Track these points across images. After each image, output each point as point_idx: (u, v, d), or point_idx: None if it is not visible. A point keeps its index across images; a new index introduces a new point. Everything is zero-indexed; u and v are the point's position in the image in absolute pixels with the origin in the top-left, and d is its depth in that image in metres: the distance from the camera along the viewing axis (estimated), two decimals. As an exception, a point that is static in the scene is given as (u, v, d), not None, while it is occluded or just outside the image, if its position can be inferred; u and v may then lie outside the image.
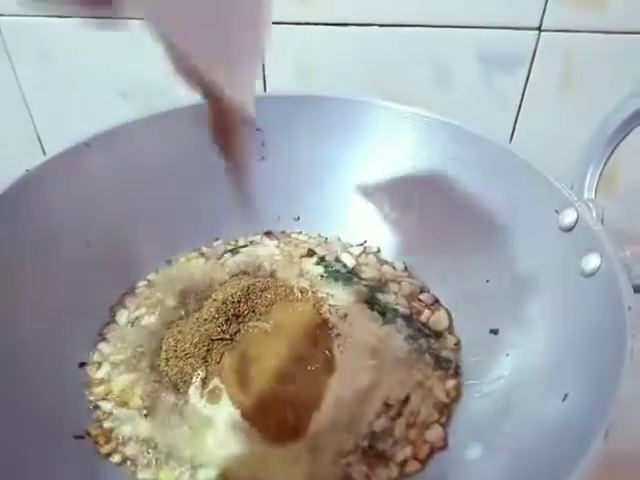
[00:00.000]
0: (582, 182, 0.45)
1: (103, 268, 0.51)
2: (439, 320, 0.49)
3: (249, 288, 0.49)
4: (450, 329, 0.49)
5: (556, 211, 0.43)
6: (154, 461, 0.40)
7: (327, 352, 0.46)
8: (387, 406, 0.42)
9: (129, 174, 0.53)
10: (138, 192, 0.53)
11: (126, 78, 0.69)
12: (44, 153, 0.49)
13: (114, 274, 0.52)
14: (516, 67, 0.64)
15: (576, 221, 0.41)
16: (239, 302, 0.48)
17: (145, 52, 0.65)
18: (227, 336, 0.46)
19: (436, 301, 0.51)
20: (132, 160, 0.53)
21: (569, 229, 0.42)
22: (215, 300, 0.49)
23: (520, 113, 0.67)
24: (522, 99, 0.66)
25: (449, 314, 0.50)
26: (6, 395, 0.38)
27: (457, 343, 0.47)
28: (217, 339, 0.46)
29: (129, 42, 0.63)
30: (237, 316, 0.48)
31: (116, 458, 0.40)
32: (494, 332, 0.45)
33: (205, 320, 0.47)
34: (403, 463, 0.39)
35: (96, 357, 0.47)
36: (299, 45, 0.65)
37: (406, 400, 0.42)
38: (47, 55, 0.68)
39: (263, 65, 0.68)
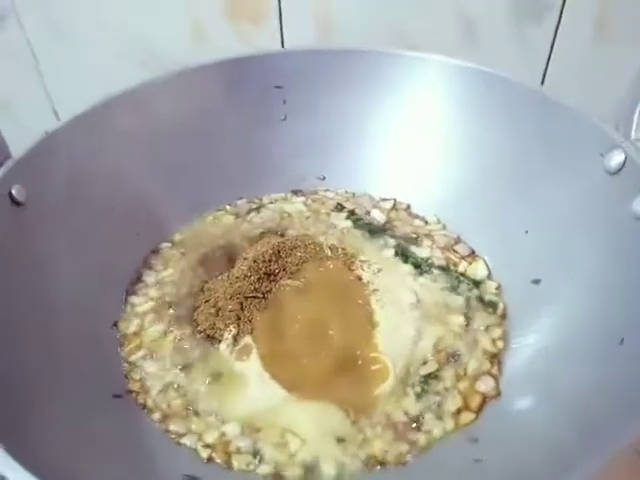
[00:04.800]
0: (629, 123, 0.43)
1: (128, 229, 0.49)
2: (477, 269, 0.48)
3: (279, 246, 0.48)
4: (489, 277, 0.47)
5: (601, 154, 0.41)
6: (184, 413, 0.39)
7: (367, 307, 0.44)
8: (437, 351, 0.41)
9: (149, 135, 0.51)
10: (159, 153, 0.52)
11: (146, 46, 0.66)
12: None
13: (139, 235, 0.51)
14: (546, 14, 0.61)
15: (624, 163, 0.39)
16: (270, 261, 0.47)
17: (167, 14, 0.64)
18: (259, 294, 0.45)
19: (472, 252, 0.49)
20: (153, 121, 0.51)
21: (616, 171, 0.40)
22: (246, 259, 0.47)
23: (550, 63, 0.64)
24: (552, 48, 0.63)
25: (487, 264, 0.48)
26: (45, 359, 0.37)
27: (498, 287, 0.46)
28: (250, 297, 0.45)
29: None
30: (268, 275, 0.47)
31: (151, 411, 0.40)
32: (536, 282, 0.43)
33: (237, 278, 0.46)
34: (457, 414, 0.38)
35: (127, 311, 0.46)
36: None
37: (453, 351, 0.41)
38: (61, 25, 0.65)
39: (280, 19, 0.65)
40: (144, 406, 0.40)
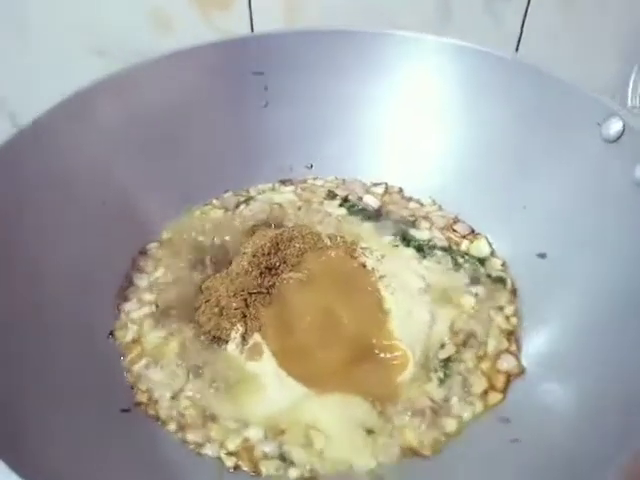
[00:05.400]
0: (623, 93, 0.43)
1: (113, 230, 0.46)
2: (480, 247, 0.47)
3: (277, 238, 0.46)
4: (493, 254, 0.47)
5: (598, 123, 0.41)
6: (200, 421, 0.37)
7: (376, 294, 0.43)
8: (453, 333, 0.41)
9: (127, 128, 0.47)
10: (139, 147, 0.48)
11: (107, 37, 0.62)
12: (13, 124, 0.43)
13: (124, 236, 0.47)
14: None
15: (622, 131, 0.40)
16: (269, 254, 0.45)
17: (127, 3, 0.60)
18: (263, 289, 0.43)
19: (472, 230, 0.49)
20: (130, 112, 0.47)
21: (615, 139, 0.40)
22: (245, 253, 0.45)
23: (522, 37, 0.64)
24: (523, 25, 0.63)
25: (488, 241, 0.48)
26: (42, 375, 0.34)
27: (503, 264, 0.46)
28: (254, 292, 0.43)
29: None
30: (270, 269, 0.45)
31: (165, 423, 0.37)
32: (542, 256, 0.43)
33: (238, 274, 0.44)
34: (484, 395, 0.37)
35: (122, 319, 0.43)
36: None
37: (469, 332, 0.41)
38: (15, 20, 0.60)
39: (249, 2, 0.62)
40: (157, 418, 0.37)
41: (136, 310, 0.43)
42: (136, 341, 0.41)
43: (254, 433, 0.36)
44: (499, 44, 0.64)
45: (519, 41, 0.64)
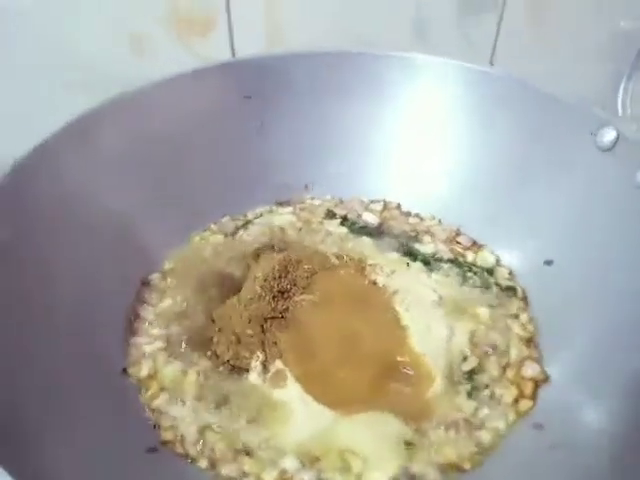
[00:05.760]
0: (612, 104, 0.45)
1: (114, 262, 0.44)
2: (486, 257, 0.48)
3: (285, 261, 0.45)
4: (499, 263, 0.48)
5: (592, 133, 0.43)
6: (231, 455, 0.36)
7: (392, 311, 0.43)
8: (473, 345, 0.41)
9: (122, 154, 0.46)
10: (135, 175, 0.47)
11: (85, 66, 0.59)
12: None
13: (126, 268, 0.46)
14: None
15: (616, 139, 0.42)
16: (280, 277, 0.44)
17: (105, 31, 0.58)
18: (277, 314, 0.42)
19: (474, 242, 0.50)
20: (125, 139, 0.46)
21: (610, 148, 0.42)
22: (256, 278, 0.44)
23: (494, 54, 0.67)
24: (496, 41, 0.66)
25: (492, 252, 0.49)
26: (59, 421, 0.33)
27: (510, 272, 0.47)
28: (269, 318, 0.42)
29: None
30: (282, 292, 0.44)
31: (195, 460, 0.35)
32: (548, 263, 0.45)
33: (251, 299, 0.42)
34: (515, 404, 0.38)
35: (133, 354, 0.41)
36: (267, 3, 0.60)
37: (489, 343, 0.41)
38: None
39: (230, 28, 0.62)
40: (186, 455, 0.35)
41: (147, 344, 0.42)
42: (152, 376, 0.40)
43: (290, 463, 0.35)
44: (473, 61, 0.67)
45: (492, 56, 0.67)
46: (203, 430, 0.37)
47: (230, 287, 0.46)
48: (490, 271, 0.47)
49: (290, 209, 0.54)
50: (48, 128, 0.41)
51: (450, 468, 0.35)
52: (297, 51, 0.52)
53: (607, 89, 0.46)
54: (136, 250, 0.47)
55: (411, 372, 0.39)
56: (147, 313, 0.44)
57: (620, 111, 0.44)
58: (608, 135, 0.42)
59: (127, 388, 0.39)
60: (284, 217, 0.53)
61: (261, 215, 0.54)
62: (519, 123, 0.47)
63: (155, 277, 0.47)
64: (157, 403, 0.38)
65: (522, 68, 0.63)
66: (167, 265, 0.48)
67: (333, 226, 0.52)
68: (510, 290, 0.45)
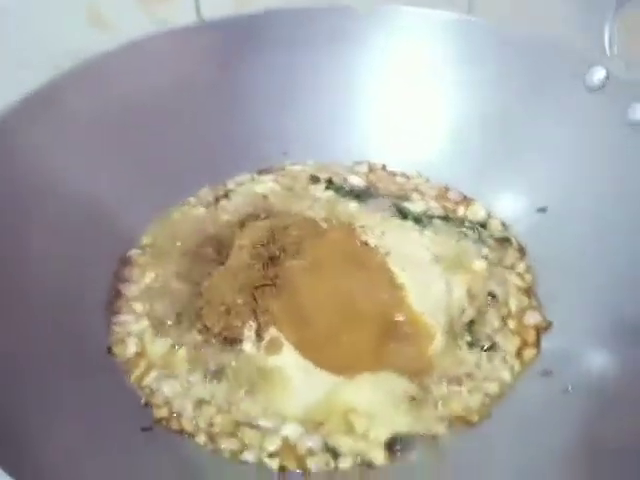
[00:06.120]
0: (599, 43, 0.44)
1: (88, 240, 0.42)
2: (477, 211, 0.47)
3: (271, 228, 0.43)
4: (491, 216, 0.47)
5: (580, 75, 0.42)
6: (231, 427, 0.34)
7: (387, 271, 0.41)
8: (472, 298, 0.40)
9: (92, 123, 0.43)
10: (107, 144, 0.44)
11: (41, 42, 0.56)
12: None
13: (102, 245, 0.43)
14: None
15: (606, 77, 0.41)
16: (268, 244, 0.42)
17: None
18: (268, 281, 0.40)
19: (464, 197, 0.48)
20: (95, 105, 0.43)
21: (599, 88, 0.41)
22: (242, 247, 0.42)
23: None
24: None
25: (483, 205, 0.47)
26: (51, 413, 0.30)
27: (503, 224, 0.46)
28: (260, 286, 0.40)
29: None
30: (271, 259, 0.42)
31: (192, 435, 0.34)
32: (542, 210, 0.44)
33: (239, 268, 0.40)
34: (519, 353, 0.37)
35: (118, 333, 0.39)
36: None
37: (488, 293, 0.40)
38: None
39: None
40: (182, 431, 0.33)
41: (132, 322, 0.39)
42: (139, 354, 0.38)
43: (292, 430, 0.33)
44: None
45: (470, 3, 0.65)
46: (199, 405, 0.35)
47: (216, 258, 0.44)
48: (483, 224, 0.46)
49: (272, 176, 0.52)
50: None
51: (458, 421, 0.34)
52: (269, 8, 0.49)
53: (592, 30, 0.45)
54: (112, 227, 0.44)
55: (410, 330, 0.38)
56: (129, 291, 0.42)
57: (607, 50, 0.43)
58: (597, 74, 0.41)
59: (114, 368, 0.36)
60: (267, 185, 0.51)
61: (242, 184, 0.51)
62: (504, 71, 0.46)
63: (134, 253, 0.44)
64: (147, 381, 0.36)
65: (502, 13, 0.62)
66: (146, 240, 0.45)
67: (319, 191, 0.50)
68: (505, 241, 0.44)
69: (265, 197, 0.50)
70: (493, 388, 0.35)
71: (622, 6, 0.42)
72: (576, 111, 0.43)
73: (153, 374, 0.36)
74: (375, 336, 0.38)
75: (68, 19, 0.57)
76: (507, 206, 0.46)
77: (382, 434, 0.33)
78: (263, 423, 0.34)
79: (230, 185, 0.51)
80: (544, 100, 0.44)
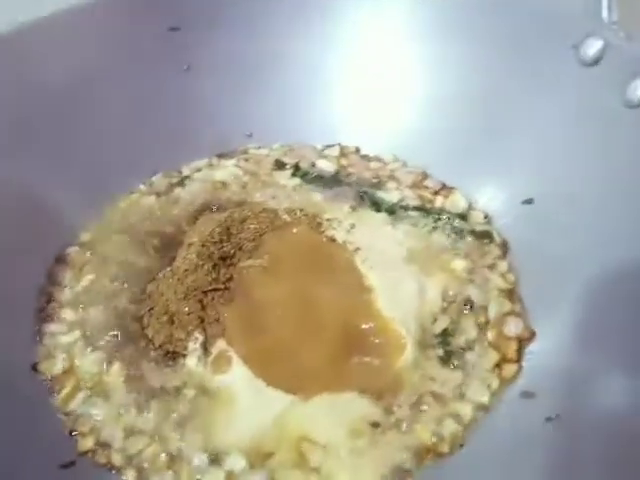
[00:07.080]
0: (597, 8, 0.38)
1: (18, 238, 0.37)
2: (457, 201, 0.42)
3: (227, 222, 0.39)
4: (472, 207, 0.42)
5: (573, 46, 0.37)
6: (165, 462, 0.30)
7: (354, 271, 0.37)
8: (447, 303, 0.36)
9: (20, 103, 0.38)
10: (37, 128, 0.39)
11: None
12: None
13: (33, 243, 0.38)
14: None
15: (603, 49, 0.35)
16: (221, 241, 0.38)
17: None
18: (220, 285, 0.36)
19: (444, 185, 0.43)
20: (21, 79, 0.38)
21: (595, 62, 0.36)
22: (191, 245, 0.37)
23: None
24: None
25: (464, 194, 0.42)
26: None
27: (486, 216, 0.41)
28: (209, 290, 0.35)
29: None
30: (224, 259, 0.37)
31: (121, 471, 0.29)
32: (528, 202, 0.39)
33: (186, 271, 0.36)
34: (497, 369, 0.32)
35: (45, 345, 0.34)
36: None
37: (464, 298, 0.36)
38: None
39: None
40: (109, 466, 0.29)
41: (63, 332, 0.35)
42: (67, 372, 0.33)
43: (234, 463, 0.29)
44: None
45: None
46: (130, 432, 0.30)
47: (163, 256, 0.39)
48: (463, 216, 0.41)
49: (233, 161, 0.47)
50: None
51: (426, 452, 0.29)
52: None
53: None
54: (45, 223, 0.39)
55: (378, 340, 0.34)
56: (63, 295, 0.37)
57: (605, 16, 0.37)
58: (593, 46, 0.36)
59: (37, 388, 0.32)
60: (227, 170, 0.46)
61: (199, 170, 0.46)
62: (488, 44, 0.41)
63: (72, 251, 0.40)
64: (74, 404, 0.31)
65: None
66: (85, 237, 0.40)
67: (284, 178, 0.45)
68: (486, 236, 0.39)
69: (224, 184, 0.45)
70: (466, 412, 0.31)
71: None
72: (569, 88, 0.37)
73: (81, 395, 0.32)
74: (337, 348, 0.33)
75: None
76: (490, 196, 0.41)
77: (339, 470, 0.29)
78: (202, 457, 0.29)
79: (186, 171, 0.46)
80: (532, 76, 0.39)
